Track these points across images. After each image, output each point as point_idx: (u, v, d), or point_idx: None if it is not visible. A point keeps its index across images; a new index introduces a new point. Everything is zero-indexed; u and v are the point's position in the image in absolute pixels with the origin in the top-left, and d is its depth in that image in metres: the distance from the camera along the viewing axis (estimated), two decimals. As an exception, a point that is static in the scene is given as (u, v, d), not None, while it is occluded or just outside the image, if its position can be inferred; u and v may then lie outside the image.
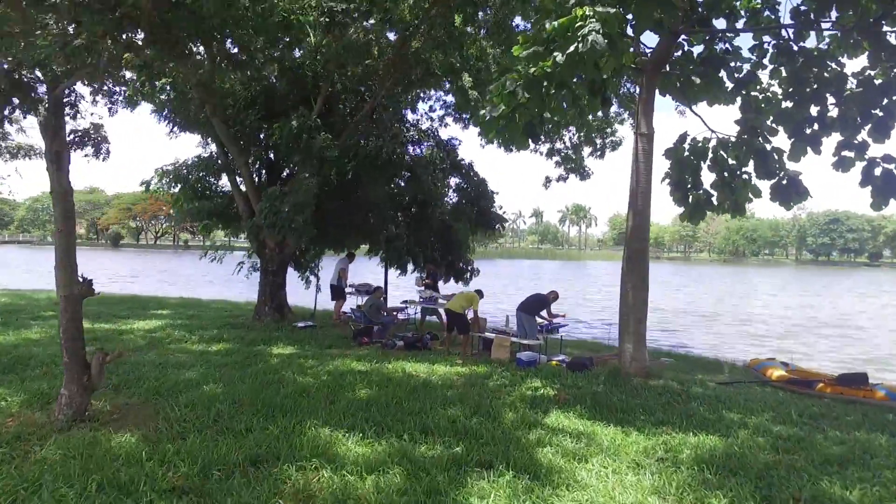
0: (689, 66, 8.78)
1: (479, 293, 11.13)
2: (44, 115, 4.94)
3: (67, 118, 5.42)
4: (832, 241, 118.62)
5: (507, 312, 12.17)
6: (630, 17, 6.98)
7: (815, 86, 8.37)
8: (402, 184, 14.55)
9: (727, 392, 8.04)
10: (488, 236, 17.13)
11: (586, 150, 15.77)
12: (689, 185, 9.23)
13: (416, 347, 10.58)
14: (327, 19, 8.47)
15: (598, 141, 15.28)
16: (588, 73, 6.24)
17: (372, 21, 11.91)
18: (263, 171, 13.91)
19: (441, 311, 13.86)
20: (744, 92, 9.00)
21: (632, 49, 8.32)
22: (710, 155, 9.12)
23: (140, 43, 5.41)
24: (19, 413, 5.69)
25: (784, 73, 8.76)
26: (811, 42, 8.49)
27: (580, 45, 5.67)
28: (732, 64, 8.72)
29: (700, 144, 9.16)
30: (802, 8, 8.05)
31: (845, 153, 8.06)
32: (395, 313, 13.03)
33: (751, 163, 8.91)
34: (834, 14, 7.91)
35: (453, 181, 15.79)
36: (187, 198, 13.59)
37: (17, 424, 5.33)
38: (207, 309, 15.76)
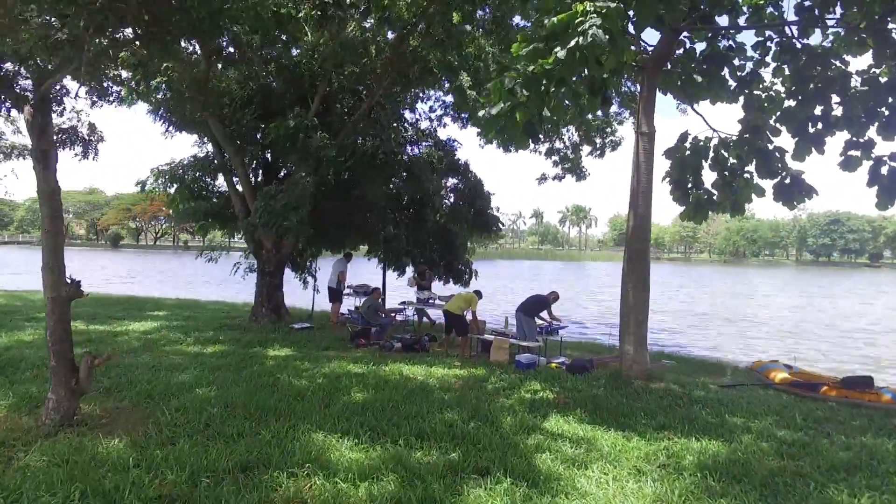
0: (690, 64, 8.66)
1: (478, 294, 11.00)
2: (30, 112, 4.82)
3: (55, 115, 5.30)
4: (833, 241, 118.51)
5: (507, 314, 12.04)
6: (631, 13, 6.86)
7: (819, 84, 8.25)
8: (401, 183, 14.41)
9: (730, 395, 7.91)
10: (485, 238, 16.97)
11: (585, 150, 15.64)
12: (690, 185, 9.10)
13: (414, 349, 10.45)
14: (319, 13, 8.33)
15: (598, 140, 15.16)
16: (590, 70, 6.12)
17: (371, 21, 11.79)
18: (260, 171, 13.79)
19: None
20: (746, 91, 8.88)
21: (633, 47, 8.20)
22: (712, 154, 8.99)
23: (128, 39, 5.28)
24: (6, 417, 5.56)
25: (787, 72, 8.65)
26: (815, 40, 8.40)
27: (581, 39, 5.54)
28: (735, 62, 8.58)
29: (701, 144, 9.04)
30: (807, 3, 7.92)
31: (852, 152, 7.93)
32: (393, 315, 12.90)
33: (753, 162, 8.78)
34: (838, 11, 7.78)
35: (450, 182, 15.66)
36: (183, 198, 13.46)
37: (2, 429, 5.20)
38: (204, 310, 15.63)
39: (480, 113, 6.70)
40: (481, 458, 4.88)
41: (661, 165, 9.37)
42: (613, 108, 14.55)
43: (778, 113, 8.75)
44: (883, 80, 7.76)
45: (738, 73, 8.76)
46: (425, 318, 13.84)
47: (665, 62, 8.47)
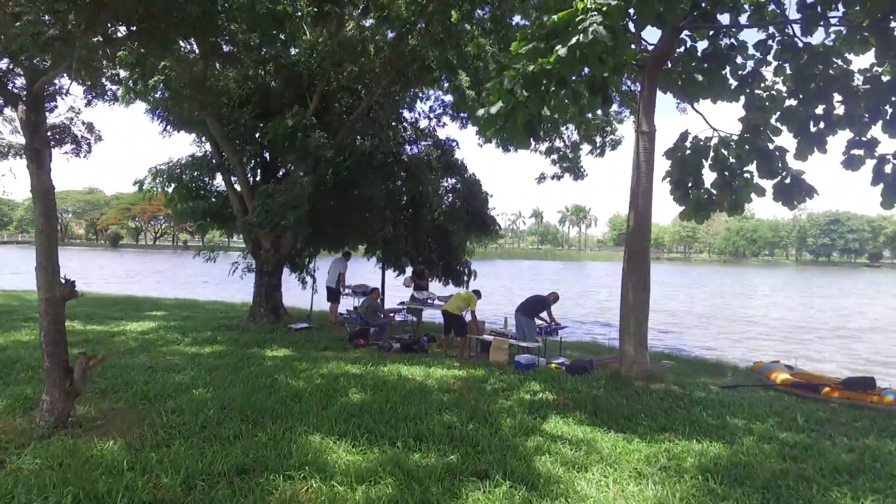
0: (691, 62, 8.60)
1: (477, 293, 10.94)
2: (23, 110, 4.76)
3: (49, 114, 5.24)
4: (832, 241, 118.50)
5: (505, 314, 11.98)
6: (631, 11, 6.79)
7: (821, 83, 8.19)
8: (400, 183, 14.35)
9: (731, 396, 7.85)
10: (483, 238, 16.87)
11: (585, 149, 15.58)
12: (691, 185, 9.05)
13: (412, 350, 10.40)
14: (315, 9, 8.27)
15: (598, 139, 15.09)
16: (591, 68, 6.06)
17: (370, 20, 11.73)
18: (259, 171, 13.72)
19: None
20: (747, 90, 8.82)
21: (633, 45, 8.14)
22: (712, 154, 8.94)
23: (122, 37, 5.22)
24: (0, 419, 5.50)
25: (789, 71, 8.59)
26: (817, 38, 8.34)
27: (582, 37, 5.48)
28: (737, 60, 8.52)
29: (702, 143, 8.98)
30: (809, 0, 7.85)
31: (855, 151, 7.87)
32: (392, 315, 12.84)
33: (753, 162, 8.72)
34: (840, 9, 7.72)
35: (448, 182, 15.58)
36: (181, 198, 13.40)
37: (-4, 431, 5.14)
38: (202, 310, 15.57)
39: (480, 112, 6.64)
40: (480, 461, 4.83)
41: (662, 165, 9.33)
42: (613, 107, 14.49)
43: (779, 112, 8.69)
44: (885, 78, 7.71)
45: (739, 72, 8.70)
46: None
47: (666, 61, 8.41)
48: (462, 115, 14.86)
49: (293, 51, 12.19)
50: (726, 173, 8.88)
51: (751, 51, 8.64)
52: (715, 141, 8.98)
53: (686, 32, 8.43)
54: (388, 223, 13.58)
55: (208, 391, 6.69)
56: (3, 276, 30.92)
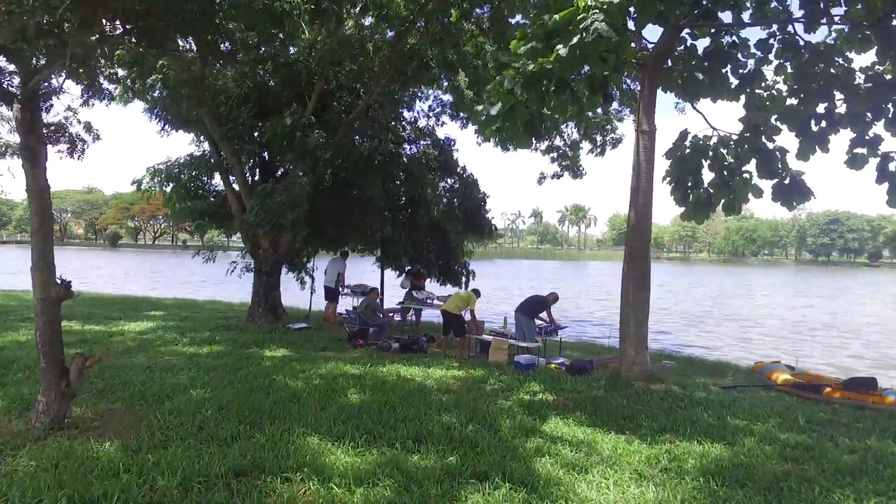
0: (692, 61, 8.56)
1: (476, 293, 10.90)
2: (18, 109, 4.71)
3: (44, 113, 5.19)
4: (832, 241, 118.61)
5: (505, 314, 11.94)
6: (632, 10, 6.75)
7: (822, 82, 8.15)
8: (399, 182, 14.31)
9: (731, 397, 7.82)
10: (479, 240, 16.80)
11: (585, 148, 15.53)
12: (690, 185, 9.00)
13: (411, 350, 10.35)
14: (313, 6, 8.21)
15: (598, 138, 15.04)
16: (591, 67, 6.01)
17: (369, 19, 11.69)
18: (257, 170, 13.68)
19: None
20: (748, 89, 8.77)
21: (633, 44, 8.09)
22: (711, 153, 8.89)
23: (118, 35, 5.18)
24: (-5, 420, 5.45)
25: (790, 69, 8.54)
26: (818, 37, 8.29)
27: (584, 35, 5.43)
28: (738, 58, 8.47)
29: (701, 142, 8.93)
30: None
31: (858, 150, 7.84)
32: (391, 315, 12.80)
33: (752, 162, 8.68)
34: (842, 8, 7.68)
35: (447, 182, 15.53)
36: (180, 197, 13.35)
37: (-9, 433, 5.09)
38: (201, 310, 15.52)
39: (479, 107, 6.60)
40: (480, 463, 4.78)
41: (662, 165, 9.28)
42: (614, 105, 14.45)
43: (780, 111, 8.64)
44: (888, 76, 7.67)
45: (740, 71, 8.65)
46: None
47: (666, 59, 8.37)
48: (462, 114, 14.81)
49: (291, 50, 12.15)
50: (725, 173, 8.83)
51: (752, 49, 8.59)
52: (714, 140, 8.93)
53: (687, 31, 8.39)
54: (387, 223, 13.55)
55: (206, 392, 6.65)
56: (2, 276, 30.86)
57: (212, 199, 13.75)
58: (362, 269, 17.99)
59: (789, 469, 5.00)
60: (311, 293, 14.21)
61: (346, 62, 11.94)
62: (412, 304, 13.25)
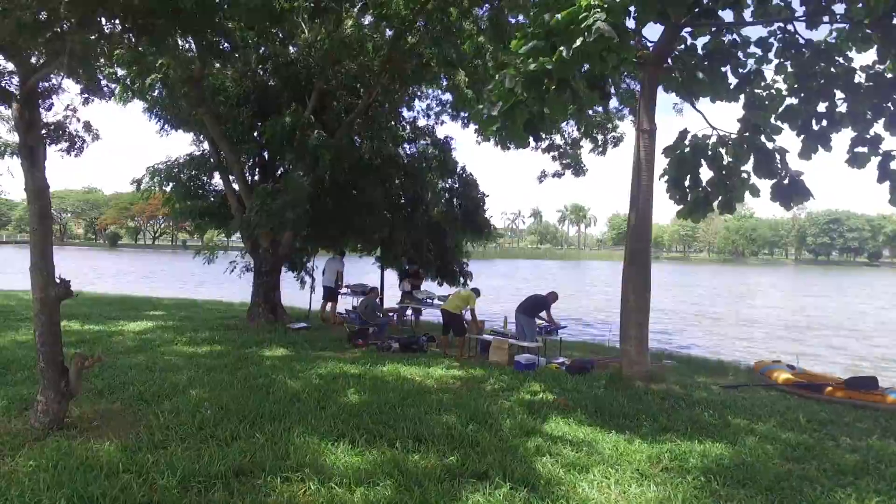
0: (692, 60, 8.53)
1: (476, 292, 10.89)
2: (17, 108, 4.70)
3: (43, 112, 5.17)
4: (832, 240, 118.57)
5: (506, 314, 11.93)
6: (632, 8, 6.72)
7: (823, 81, 8.12)
8: (398, 182, 14.29)
9: (732, 396, 7.81)
10: (478, 240, 16.75)
11: (587, 147, 15.49)
12: (689, 184, 8.95)
13: (412, 350, 10.34)
14: (312, 4, 8.19)
15: (600, 137, 15.01)
16: (592, 67, 5.98)
17: (369, 18, 11.68)
18: (257, 170, 13.66)
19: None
20: (747, 88, 8.74)
21: (632, 42, 8.05)
22: (710, 152, 8.86)
23: (117, 32, 5.16)
24: (-6, 420, 5.43)
25: (790, 69, 8.51)
26: (819, 35, 8.26)
27: (587, 36, 5.41)
28: (739, 56, 8.43)
29: (701, 141, 8.89)
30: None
31: (859, 149, 7.82)
32: (391, 314, 12.79)
33: (750, 162, 8.65)
34: (843, 6, 7.66)
35: (447, 182, 15.50)
36: (179, 197, 13.34)
37: (-10, 433, 5.07)
38: (201, 310, 15.52)
39: (481, 107, 6.57)
40: (480, 462, 4.76)
41: (661, 163, 9.25)
42: (614, 104, 14.42)
43: (780, 111, 8.61)
44: (888, 75, 7.65)
45: (740, 70, 8.62)
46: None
47: (667, 58, 8.33)
48: (462, 113, 14.78)
49: (291, 49, 12.14)
50: (723, 172, 8.80)
51: (752, 48, 8.56)
52: (713, 140, 8.90)
53: (687, 30, 8.36)
54: (387, 224, 13.54)
55: (206, 392, 6.63)
56: (1, 276, 30.83)
57: (211, 199, 13.75)
58: (363, 270, 17.99)
59: (791, 468, 5.00)
60: (312, 293, 14.20)
61: (346, 61, 11.93)
62: (412, 304, 13.25)
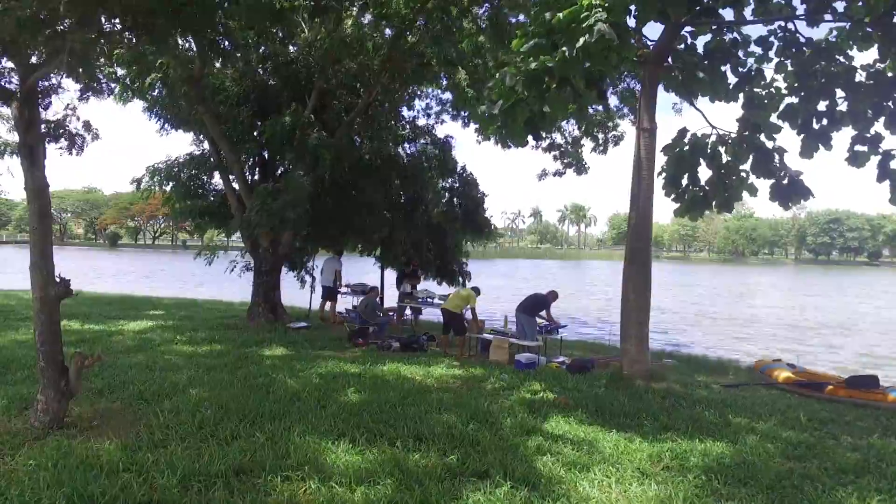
0: (692, 59, 8.51)
1: (476, 290, 10.88)
2: (16, 107, 4.69)
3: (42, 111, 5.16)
4: (832, 240, 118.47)
5: (506, 313, 11.93)
6: (633, 7, 6.72)
7: (823, 79, 8.11)
8: (398, 183, 14.28)
9: (733, 395, 7.81)
10: (478, 240, 16.73)
11: (588, 146, 15.48)
12: (687, 183, 8.94)
13: (412, 349, 10.34)
14: (312, 3, 8.18)
15: (601, 136, 14.99)
16: (594, 65, 5.97)
17: (369, 17, 11.66)
18: (256, 170, 13.65)
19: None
20: (747, 87, 8.73)
21: (632, 41, 8.04)
22: (709, 151, 8.85)
23: (117, 30, 5.16)
24: (-6, 420, 5.43)
25: (790, 67, 8.50)
26: (819, 34, 8.25)
27: (588, 36, 5.40)
28: (739, 55, 8.42)
29: (700, 140, 8.88)
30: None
31: (858, 148, 7.81)
32: (391, 313, 12.79)
33: (749, 161, 8.63)
34: (843, 4, 7.65)
35: (447, 181, 15.49)
36: (179, 196, 13.33)
37: (-10, 432, 5.07)
38: (201, 309, 15.51)
39: (483, 107, 6.56)
40: (481, 461, 4.76)
41: (662, 163, 9.23)
42: (614, 103, 14.42)
43: (780, 110, 8.60)
44: (889, 74, 7.64)
45: (740, 70, 8.61)
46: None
47: (667, 57, 8.32)
48: (462, 113, 14.77)
49: (291, 48, 12.12)
50: (722, 171, 8.79)
51: (752, 48, 8.55)
52: (713, 138, 8.89)
53: (687, 28, 8.35)
54: (387, 224, 13.53)
55: (206, 391, 6.62)
56: (1, 276, 30.82)
57: (211, 199, 13.74)
58: (363, 269, 17.98)
59: (792, 467, 4.99)
60: (311, 293, 14.19)
61: (346, 61, 11.92)
62: (411, 303, 13.24)
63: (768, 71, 8.69)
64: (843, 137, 8.53)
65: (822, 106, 8.24)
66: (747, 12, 8.30)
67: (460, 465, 4.67)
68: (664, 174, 9.01)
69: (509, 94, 6.26)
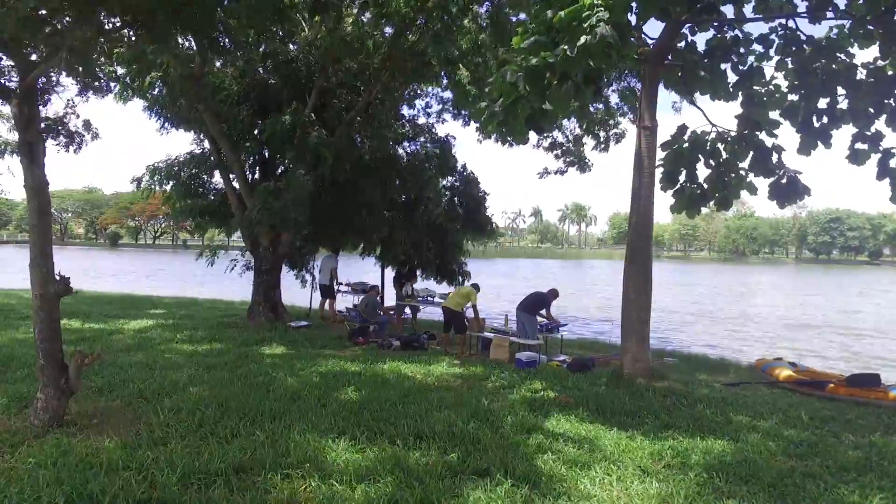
0: (692, 57, 8.50)
1: (476, 287, 10.87)
2: (16, 104, 4.68)
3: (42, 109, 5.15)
4: (833, 239, 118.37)
5: (506, 311, 11.92)
6: (634, 4, 6.70)
7: (824, 77, 8.09)
8: (399, 182, 14.27)
9: (734, 394, 7.79)
10: (479, 239, 16.71)
11: (590, 144, 15.46)
12: (685, 179, 8.92)
13: (412, 347, 10.33)
14: (312, 0, 8.17)
15: (602, 133, 14.97)
16: (596, 63, 5.95)
17: (369, 16, 11.64)
18: (257, 169, 13.64)
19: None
20: (747, 85, 8.71)
21: (632, 38, 8.02)
22: (708, 148, 8.83)
23: (117, 27, 5.15)
24: (-6, 418, 5.42)
25: (791, 65, 8.48)
26: (820, 32, 8.23)
27: (589, 37, 5.38)
28: (740, 51, 8.40)
29: (699, 137, 8.85)
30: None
31: (859, 145, 7.79)
32: (391, 312, 12.78)
33: (748, 159, 8.61)
34: (844, 2, 7.63)
35: (448, 180, 15.47)
36: (180, 195, 13.32)
37: (-10, 430, 5.06)
38: (201, 308, 15.52)
39: (484, 104, 6.55)
40: (481, 459, 4.75)
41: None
42: (615, 101, 14.40)
43: (778, 108, 8.58)
44: (889, 72, 7.62)
45: (740, 68, 8.59)
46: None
47: (667, 54, 8.31)
48: (463, 112, 14.74)
49: (291, 47, 12.11)
50: (721, 169, 8.77)
51: (753, 45, 8.53)
52: (712, 136, 8.87)
53: (688, 26, 8.33)
54: (387, 223, 13.52)
55: (206, 389, 6.62)
56: (1, 275, 30.82)
57: (212, 198, 13.72)
58: (363, 269, 17.96)
59: (793, 465, 4.98)
60: (312, 291, 14.19)
61: (346, 59, 11.90)
62: (411, 302, 13.23)
63: (769, 69, 8.67)
64: (843, 135, 8.53)
65: (822, 104, 8.22)
66: (748, 10, 8.28)
67: (461, 463, 4.66)
68: (662, 170, 8.99)
69: (510, 90, 6.25)
